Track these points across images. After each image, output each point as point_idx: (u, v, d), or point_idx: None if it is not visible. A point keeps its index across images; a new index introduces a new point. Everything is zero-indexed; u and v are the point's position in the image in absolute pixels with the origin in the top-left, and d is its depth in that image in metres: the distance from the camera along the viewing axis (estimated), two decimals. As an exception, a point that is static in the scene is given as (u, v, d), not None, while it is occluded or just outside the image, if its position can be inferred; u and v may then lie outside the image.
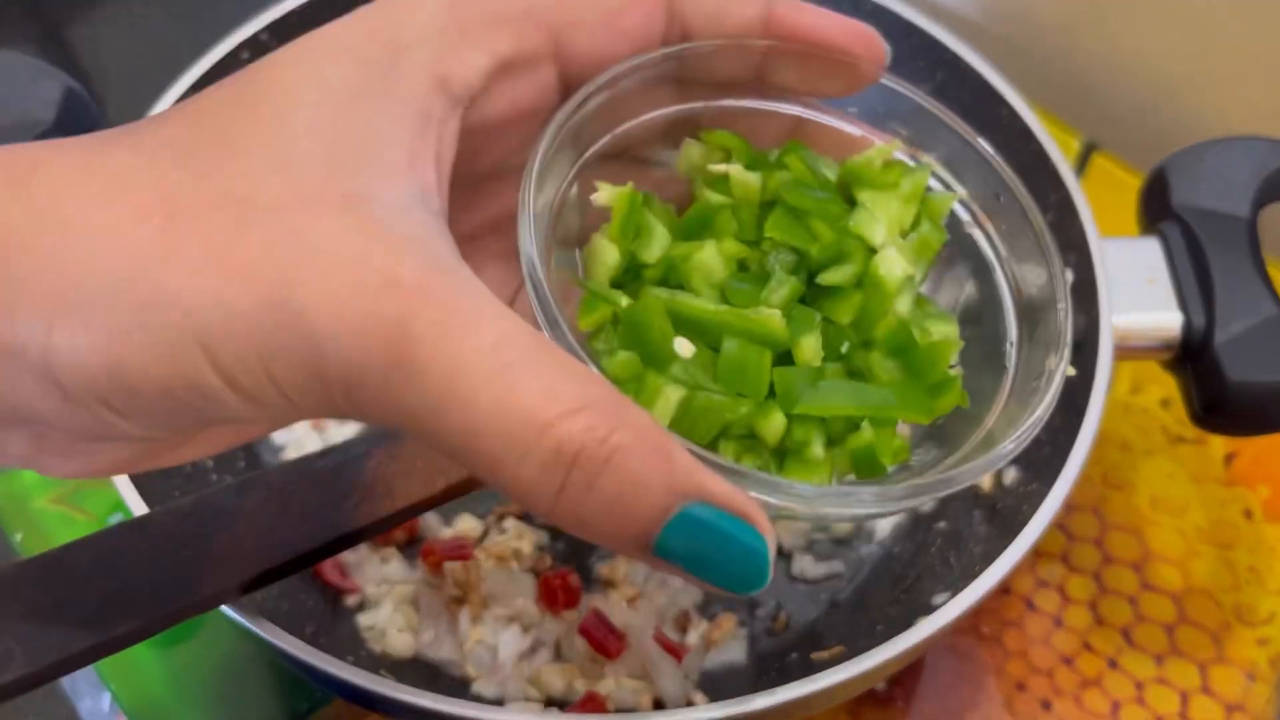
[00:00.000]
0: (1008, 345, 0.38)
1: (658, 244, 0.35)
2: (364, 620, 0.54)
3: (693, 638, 0.54)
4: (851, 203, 0.37)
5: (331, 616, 0.54)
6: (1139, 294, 0.53)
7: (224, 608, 0.43)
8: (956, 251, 0.39)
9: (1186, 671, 0.58)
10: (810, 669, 0.45)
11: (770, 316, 0.34)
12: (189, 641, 0.57)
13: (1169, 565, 0.61)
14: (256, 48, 0.62)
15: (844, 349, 0.35)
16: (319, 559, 0.46)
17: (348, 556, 0.56)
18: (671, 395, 0.32)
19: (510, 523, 0.58)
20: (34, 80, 0.59)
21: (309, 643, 0.43)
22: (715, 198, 0.37)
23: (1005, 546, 0.46)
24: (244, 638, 0.45)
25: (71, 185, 0.28)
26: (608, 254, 0.35)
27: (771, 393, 0.33)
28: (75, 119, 0.60)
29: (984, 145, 0.38)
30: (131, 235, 0.27)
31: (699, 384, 0.33)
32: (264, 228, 0.27)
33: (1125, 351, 0.52)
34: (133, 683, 0.56)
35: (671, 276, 0.36)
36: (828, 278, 0.35)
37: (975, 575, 0.45)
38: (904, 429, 0.36)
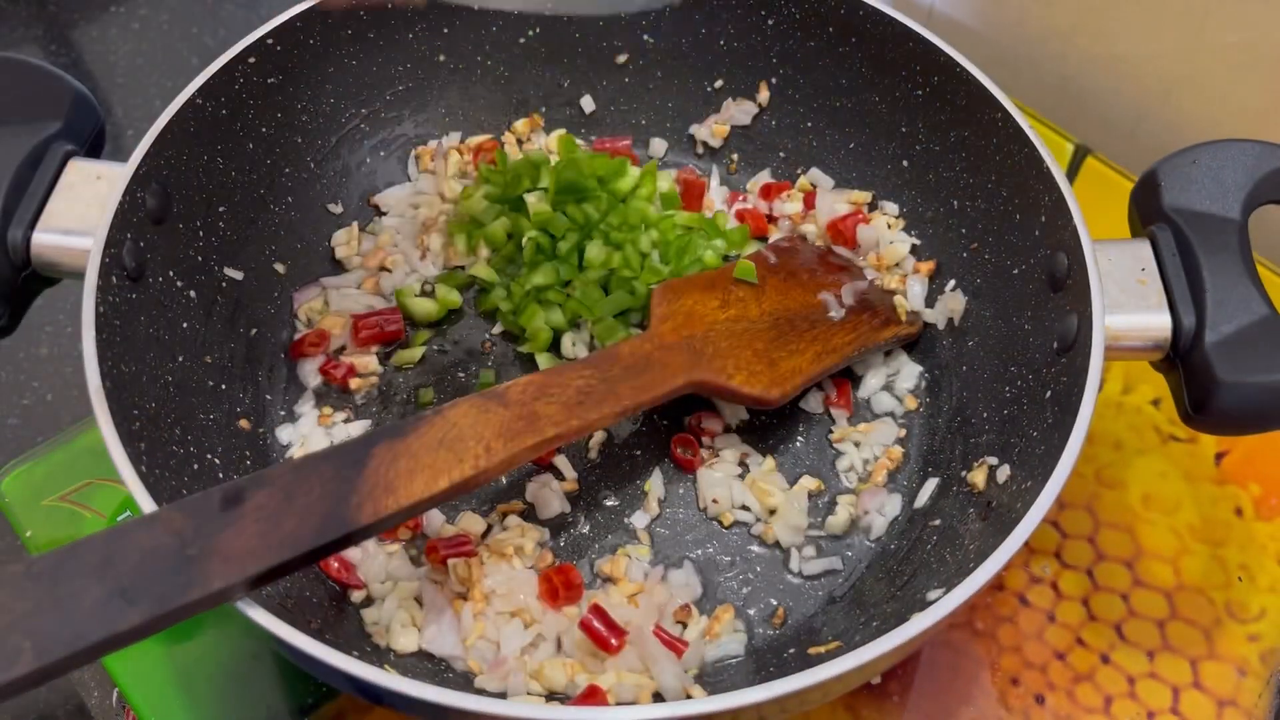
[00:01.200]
0: None
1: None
2: (369, 616, 0.55)
3: (692, 633, 0.55)
4: None
5: (337, 612, 0.55)
6: (1130, 295, 0.53)
7: (231, 603, 0.44)
8: None
9: (1178, 667, 0.59)
10: (807, 664, 0.45)
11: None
12: (196, 637, 0.58)
13: (1161, 562, 0.62)
14: (263, 53, 0.63)
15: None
16: (324, 555, 0.47)
17: (353, 553, 0.56)
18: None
19: (513, 520, 0.58)
20: (42, 83, 0.60)
21: (315, 638, 0.44)
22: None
23: (999, 543, 0.46)
24: (250, 633, 0.45)
25: None
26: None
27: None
28: (82, 122, 0.60)
29: None
30: None
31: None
32: None
33: (1116, 352, 0.53)
34: (140, 678, 0.57)
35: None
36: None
37: (969, 571, 0.46)
38: None
